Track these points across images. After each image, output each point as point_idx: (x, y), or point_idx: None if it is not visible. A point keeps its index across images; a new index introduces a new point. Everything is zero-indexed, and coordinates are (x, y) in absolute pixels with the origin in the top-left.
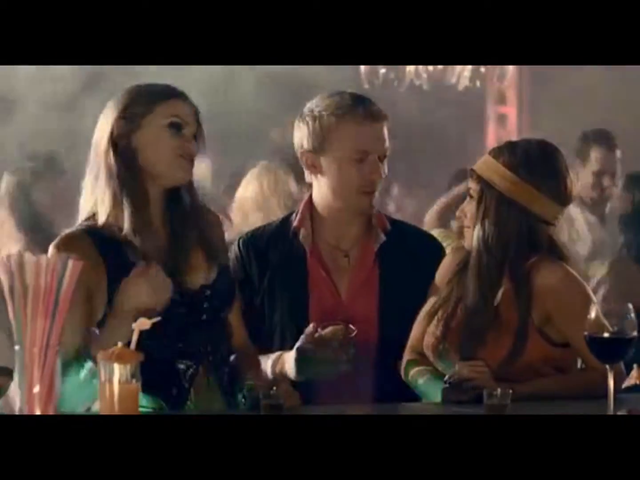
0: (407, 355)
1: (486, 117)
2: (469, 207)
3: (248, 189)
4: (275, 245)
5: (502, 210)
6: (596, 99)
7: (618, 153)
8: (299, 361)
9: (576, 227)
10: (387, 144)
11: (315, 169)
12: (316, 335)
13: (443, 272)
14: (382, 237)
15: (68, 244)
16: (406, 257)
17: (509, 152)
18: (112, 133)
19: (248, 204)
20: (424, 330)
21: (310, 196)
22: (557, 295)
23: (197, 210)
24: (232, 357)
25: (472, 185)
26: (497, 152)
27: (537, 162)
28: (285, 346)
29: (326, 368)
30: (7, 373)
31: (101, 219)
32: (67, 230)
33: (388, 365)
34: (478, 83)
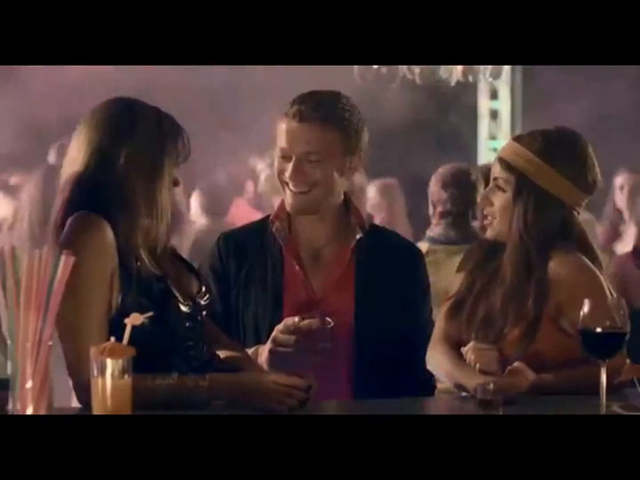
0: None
1: (478, 112)
2: (496, 197)
3: None
4: (253, 240)
5: (541, 204)
6: (587, 94)
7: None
8: (274, 352)
9: None
10: (311, 147)
11: None
12: (291, 326)
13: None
14: (359, 234)
15: (91, 226)
16: (383, 255)
17: (534, 139)
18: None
19: None
20: (449, 322)
21: None
22: (569, 286)
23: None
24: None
25: (502, 176)
26: (525, 140)
27: (559, 148)
28: (260, 342)
29: (301, 359)
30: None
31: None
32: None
33: (364, 361)
34: (470, 78)
